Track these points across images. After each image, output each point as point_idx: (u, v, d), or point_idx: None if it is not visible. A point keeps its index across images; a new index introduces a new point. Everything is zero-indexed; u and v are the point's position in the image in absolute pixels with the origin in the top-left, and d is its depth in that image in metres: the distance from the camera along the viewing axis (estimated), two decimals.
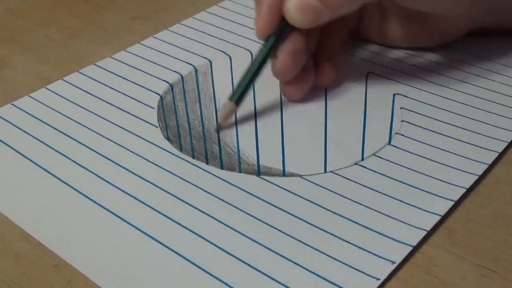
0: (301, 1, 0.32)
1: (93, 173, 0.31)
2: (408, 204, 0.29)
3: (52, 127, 0.34)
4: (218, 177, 0.31)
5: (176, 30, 0.44)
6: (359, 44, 0.41)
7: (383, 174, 0.30)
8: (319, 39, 0.37)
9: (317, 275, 0.25)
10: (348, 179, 0.30)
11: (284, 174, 0.31)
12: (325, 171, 0.31)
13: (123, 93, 0.37)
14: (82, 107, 0.36)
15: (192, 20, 0.45)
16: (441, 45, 0.40)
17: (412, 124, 0.34)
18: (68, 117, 0.35)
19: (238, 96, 0.34)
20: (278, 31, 0.34)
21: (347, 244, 0.27)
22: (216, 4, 0.47)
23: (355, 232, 0.27)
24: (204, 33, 0.43)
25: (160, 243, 0.27)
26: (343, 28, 0.39)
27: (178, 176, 0.31)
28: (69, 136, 0.33)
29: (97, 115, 0.35)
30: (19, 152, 0.32)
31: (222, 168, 0.31)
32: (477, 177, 0.30)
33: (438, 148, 0.32)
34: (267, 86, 0.37)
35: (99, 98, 0.36)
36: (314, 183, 0.30)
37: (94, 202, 0.29)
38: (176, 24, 0.44)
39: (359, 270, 0.25)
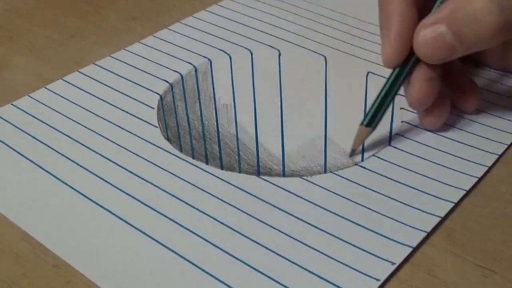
0: (435, 36, 0.30)
1: (93, 173, 0.31)
2: (408, 205, 0.29)
3: (52, 127, 0.34)
4: (218, 177, 0.31)
5: (176, 29, 0.43)
6: None
7: (383, 175, 0.30)
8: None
9: (317, 275, 0.25)
10: (348, 179, 0.30)
11: (284, 174, 0.31)
12: (325, 172, 0.31)
13: (123, 93, 0.37)
14: (82, 107, 0.36)
15: (192, 19, 0.45)
16: None
17: (412, 125, 0.34)
18: (68, 117, 0.35)
19: (369, 121, 0.32)
20: (408, 60, 0.31)
21: (347, 244, 0.27)
22: (216, 3, 0.47)
23: (355, 233, 0.27)
24: (204, 32, 0.43)
25: (160, 243, 0.27)
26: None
27: (178, 176, 0.31)
28: (69, 136, 0.33)
29: (97, 115, 0.35)
30: (19, 152, 0.32)
31: (222, 168, 0.31)
32: (477, 179, 0.30)
33: (438, 149, 0.32)
34: (267, 86, 0.37)
35: (99, 98, 0.36)
36: (314, 184, 0.30)
37: (94, 202, 0.29)
38: (176, 23, 0.44)
39: (359, 271, 0.25)
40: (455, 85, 0.34)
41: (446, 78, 0.34)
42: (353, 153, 0.32)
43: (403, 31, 0.31)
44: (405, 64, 0.32)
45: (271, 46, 0.41)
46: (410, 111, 0.35)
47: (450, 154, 0.32)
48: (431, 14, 0.31)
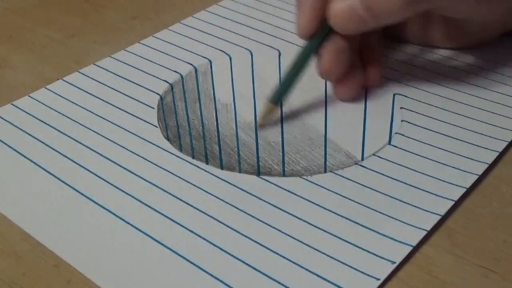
0: (346, 9, 0.31)
1: (93, 173, 0.31)
2: (408, 204, 0.29)
3: (52, 127, 0.34)
4: (218, 177, 0.31)
5: (176, 30, 0.43)
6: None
7: (383, 174, 0.30)
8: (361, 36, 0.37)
9: (317, 275, 0.25)
10: (348, 179, 0.30)
11: (284, 174, 0.31)
12: (325, 171, 0.31)
13: (123, 93, 0.37)
14: (82, 107, 0.36)
15: (192, 19, 0.45)
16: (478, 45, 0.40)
17: (412, 124, 0.34)
18: (68, 117, 0.35)
19: (277, 98, 0.34)
20: (321, 31, 0.33)
21: (347, 244, 0.27)
22: (216, 3, 0.47)
23: (355, 232, 0.27)
24: (204, 32, 0.43)
25: (160, 243, 0.27)
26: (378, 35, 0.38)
27: (178, 176, 0.31)
28: (69, 136, 0.33)
29: (97, 115, 0.35)
30: (19, 152, 0.32)
31: (222, 168, 0.31)
32: (477, 176, 0.30)
33: (438, 147, 0.32)
34: (268, 85, 0.37)
35: (99, 98, 0.36)
36: (314, 183, 0.30)
37: (94, 202, 0.29)
38: (176, 24, 0.44)
39: (359, 270, 0.25)
40: (364, 60, 0.36)
41: (361, 52, 0.36)
42: (260, 127, 0.34)
43: (317, 2, 0.33)
44: (316, 39, 0.33)
45: (271, 47, 0.41)
46: (410, 110, 0.35)
47: (450, 152, 0.32)
48: None
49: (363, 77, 0.36)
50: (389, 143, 0.33)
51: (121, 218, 0.28)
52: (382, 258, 0.26)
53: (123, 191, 0.30)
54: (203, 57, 0.40)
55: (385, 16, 0.31)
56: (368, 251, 0.26)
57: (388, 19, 0.32)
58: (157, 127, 0.34)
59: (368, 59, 0.36)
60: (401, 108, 0.35)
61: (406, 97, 0.36)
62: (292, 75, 0.34)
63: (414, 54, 0.40)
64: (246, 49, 0.41)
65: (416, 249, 0.27)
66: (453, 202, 0.29)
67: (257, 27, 0.43)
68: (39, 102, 0.36)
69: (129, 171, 0.31)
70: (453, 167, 0.31)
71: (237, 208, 0.29)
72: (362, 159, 0.32)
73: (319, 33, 0.33)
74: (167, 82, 0.38)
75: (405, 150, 0.32)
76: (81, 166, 0.31)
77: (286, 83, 0.34)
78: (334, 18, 0.32)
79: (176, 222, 0.28)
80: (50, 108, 0.36)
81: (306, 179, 0.30)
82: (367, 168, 0.31)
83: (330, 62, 0.33)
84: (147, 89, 0.37)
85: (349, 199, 0.29)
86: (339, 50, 0.33)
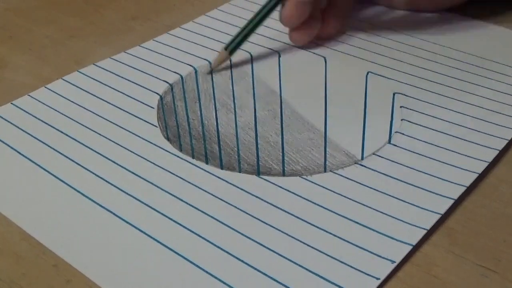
0: None
1: (93, 173, 0.31)
2: (408, 203, 0.29)
3: (51, 126, 0.34)
4: (218, 177, 0.31)
5: (176, 34, 0.44)
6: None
7: (383, 173, 0.30)
8: None
9: (317, 275, 0.25)
10: (348, 178, 0.30)
11: (283, 173, 0.31)
12: (325, 171, 0.31)
13: (123, 93, 0.37)
14: (81, 106, 0.36)
15: (192, 24, 0.45)
16: (443, 9, 0.44)
17: (412, 122, 0.34)
18: (67, 117, 0.35)
19: (233, 47, 0.38)
20: None
21: (347, 243, 0.27)
22: (216, 8, 0.47)
23: (355, 232, 0.27)
24: (204, 36, 0.43)
25: (160, 243, 0.27)
26: None
27: (178, 176, 0.31)
28: (69, 136, 0.33)
29: (97, 114, 0.35)
30: (18, 152, 0.32)
31: (222, 168, 0.31)
32: (477, 175, 0.30)
33: (438, 146, 0.32)
34: (268, 86, 0.37)
35: (99, 98, 0.36)
36: (314, 183, 0.30)
37: (94, 201, 0.29)
38: (177, 28, 0.44)
39: (359, 270, 0.25)
40: (326, 14, 0.41)
41: (327, 10, 0.41)
42: (210, 72, 0.38)
43: None
44: None
45: (271, 49, 0.41)
46: (410, 109, 0.35)
47: (450, 150, 0.32)
48: None
49: (318, 27, 0.40)
50: (389, 142, 0.33)
51: (121, 218, 0.28)
52: (382, 257, 0.26)
53: (123, 191, 0.30)
54: (203, 59, 0.40)
55: None
56: (368, 251, 0.26)
57: None
58: (157, 127, 0.34)
59: (329, 15, 0.41)
60: (401, 107, 0.35)
61: (406, 96, 0.36)
62: (251, 27, 0.38)
63: (414, 53, 0.40)
64: (246, 51, 0.41)
65: (416, 248, 0.27)
66: (453, 201, 0.29)
67: (257, 30, 0.43)
68: (39, 101, 0.36)
69: (129, 171, 0.31)
70: (453, 166, 0.31)
71: (237, 208, 0.29)
72: (362, 159, 0.32)
73: None
74: (167, 82, 0.38)
75: (405, 149, 0.32)
76: (81, 165, 0.31)
77: (243, 33, 0.38)
78: None
79: (176, 222, 0.28)
80: (50, 107, 0.36)
81: (306, 179, 0.30)
82: (367, 168, 0.31)
83: (290, 12, 0.38)
84: (147, 89, 0.37)
85: (349, 198, 0.29)
86: (300, 1, 0.38)
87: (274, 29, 0.43)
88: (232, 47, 0.38)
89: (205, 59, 0.40)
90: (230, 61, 0.39)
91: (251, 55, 0.40)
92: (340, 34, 0.42)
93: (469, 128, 0.33)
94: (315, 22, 0.40)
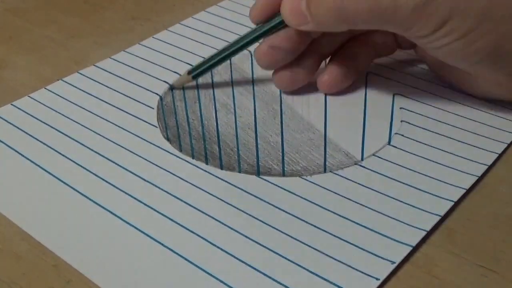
0: (294, 5, 0.32)
1: (93, 173, 0.31)
2: (408, 204, 0.29)
3: (51, 127, 0.34)
4: (218, 177, 0.31)
5: (176, 30, 0.44)
6: None
7: (382, 174, 0.30)
8: (340, 48, 0.37)
9: (317, 275, 0.25)
10: (347, 179, 0.30)
11: (284, 174, 0.31)
12: (325, 171, 0.31)
13: (122, 94, 0.37)
14: (81, 107, 0.36)
15: (192, 20, 0.45)
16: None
17: (411, 124, 0.34)
18: (67, 118, 0.35)
19: (197, 74, 0.37)
20: (270, 22, 0.34)
21: (347, 244, 0.27)
22: (216, 4, 0.47)
23: (354, 232, 0.27)
24: (204, 33, 0.43)
25: (160, 243, 0.27)
26: (369, 52, 0.37)
27: (178, 176, 0.31)
28: (69, 136, 0.33)
29: (96, 115, 0.35)
30: (18, 152, 0.32)
31: (221, 168, 0.31)
32: (477, 178, 0.30)
33: (438, 148, 0.32)
34: (267, 85, 0.37)
35: (99, 99, 0.36)
36: (314, 183, 0.30)
37: (94, 202, 0.29)
38: (176, 24, 0.44)
39: (359, 270, 0.25)
40: (329, 63, 0.37)
41: (332, 59, 0.37)
42: (171, 88, 0.37)
43: None
44: (261, 27, 0.34)
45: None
46: (410, 110, 0.35)
47: (449, 152, 0.32)
48: None
49: (305, 79, 0.36)
50: (389, 143, 0.33)
51: (121, 218, 0.28)
52: (382, 258, 0.26)
53: (123, 191, 0.30)
54: (203, 57, 0.40)
55: (320, 19, 0.32)
56: (368, 251, 0.26)
57: (325, 26, 0.32)
58: (156, 127, 0.34)
59: (330, 65, 0.36)
60: (400, 108, 0.35)
61: (406, 97, 0.36)
62: (220, 57, 0.36)
63: (414, 55, 0.40)
64: (246, 49, 0.41)
65: (416, 249, 0.27)
66: (452, 203, 0.29)
67: (225, 61, 0.43)
68: (39, 102, 0.36)
69: (129, 171, 0.31)
70: (453, 168, 0.31)
71: (237, 208, 0.29)
72: (362, 159, 0.32)
73: (268, 23, 0.34)
74: (166, 82, 0.38)
75: (405, 151, 0.32)
76: (80, 166, 0.31)
77: (210, 62, 0.36)
78: (282, 9, 0.33)
79: (176, 222, 0.28)
80: (50, 108, 0.36)
81: (305, 179, 0.30)
82: (367, 168, 0.31)
83: (259, 54, 0.35)
84: (146, 89, 0.37)
85: (349, 199, 0.29)
86: (272, 46, 0.34)
87: None
88: (195, 73, 0.36)
89: (204, 58, 0.40)
90: (230, 61, 0.39)
91: (251, 55, 0.40)
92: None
93: (469, 131, 0.33)
94: (304, 72, 0.36)
